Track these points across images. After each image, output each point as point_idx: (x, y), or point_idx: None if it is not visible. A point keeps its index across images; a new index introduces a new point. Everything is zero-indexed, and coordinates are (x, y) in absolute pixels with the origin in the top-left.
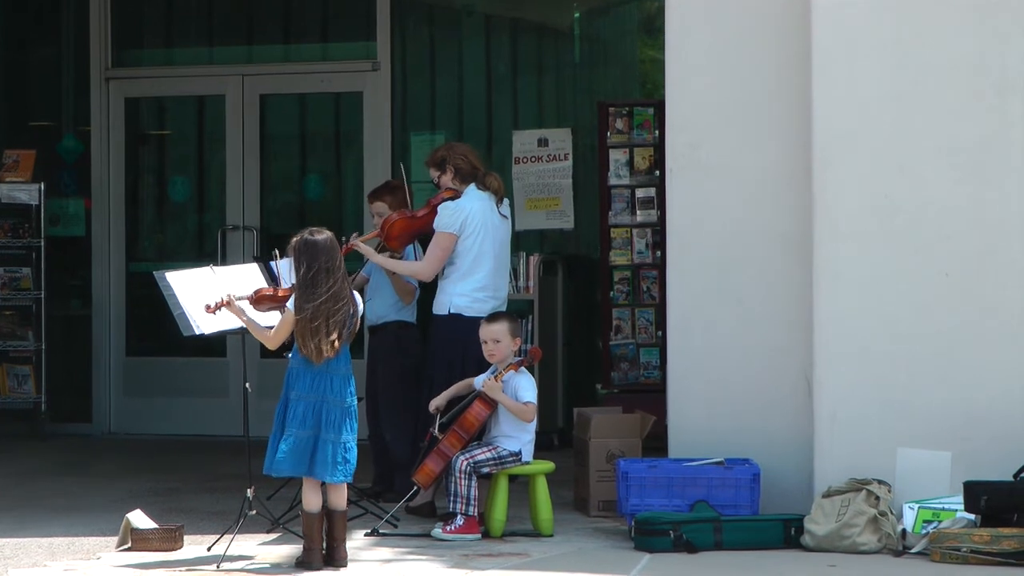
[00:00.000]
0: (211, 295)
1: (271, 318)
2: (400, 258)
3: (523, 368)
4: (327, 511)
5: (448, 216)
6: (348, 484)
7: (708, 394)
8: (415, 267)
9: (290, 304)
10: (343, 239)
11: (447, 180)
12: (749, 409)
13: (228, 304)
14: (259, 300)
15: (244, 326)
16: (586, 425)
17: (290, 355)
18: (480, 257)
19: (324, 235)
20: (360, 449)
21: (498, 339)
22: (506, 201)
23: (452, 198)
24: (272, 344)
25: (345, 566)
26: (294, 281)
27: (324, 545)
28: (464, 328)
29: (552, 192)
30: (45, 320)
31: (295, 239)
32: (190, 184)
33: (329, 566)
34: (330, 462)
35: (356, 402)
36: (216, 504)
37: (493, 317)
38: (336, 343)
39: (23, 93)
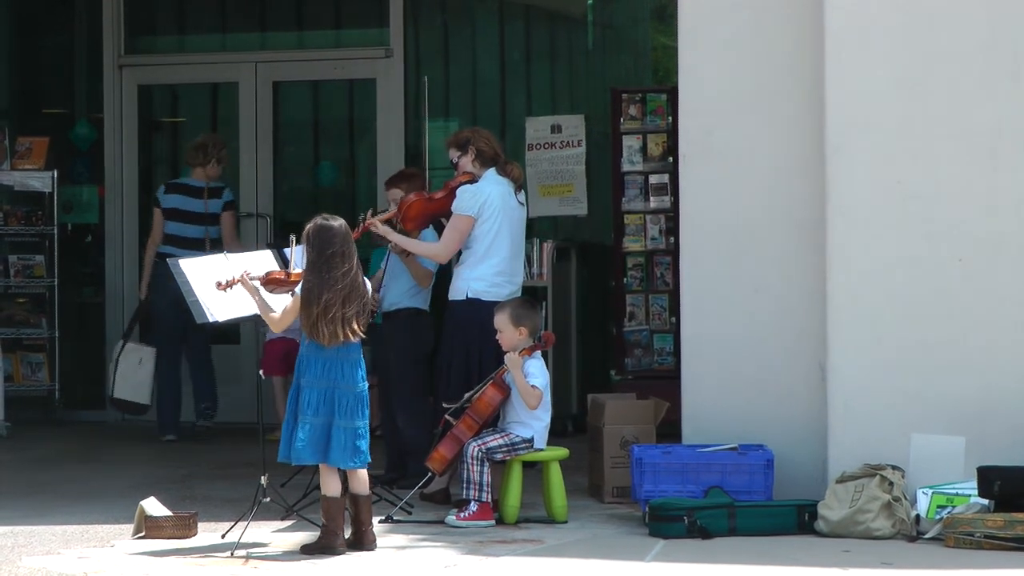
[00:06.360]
0: (224, 276)
1: (282, 300)
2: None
3: (537, 353)
4: (352, 496)
5: (468, 199)
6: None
7: (722, 380)
8: (431, 248)
9: (298, 289)
10: (360, 218)
11: (466, 162)
12: (763, 395)
13: (242, 282)
14: (269, 282)
15: (257, 312)
16: (600, 411)
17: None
18: (497, 241)
19: (338, 221)
20: (372, 436)
21: (500, 328)
22: (522, 192)
23: (469, 182)
24: (277, 327)
25: (373, 549)
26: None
27: (351, 530)
28: (482, 312)
29: (565, 179)
30: (59, 307)
31: (309, 225)
32: None
33: (359, 549)
34: (346, 449)
35: (367, 387)
36: (230, 491)
37: (497, 307)
38: (356, 328)
39: (36, 80)
